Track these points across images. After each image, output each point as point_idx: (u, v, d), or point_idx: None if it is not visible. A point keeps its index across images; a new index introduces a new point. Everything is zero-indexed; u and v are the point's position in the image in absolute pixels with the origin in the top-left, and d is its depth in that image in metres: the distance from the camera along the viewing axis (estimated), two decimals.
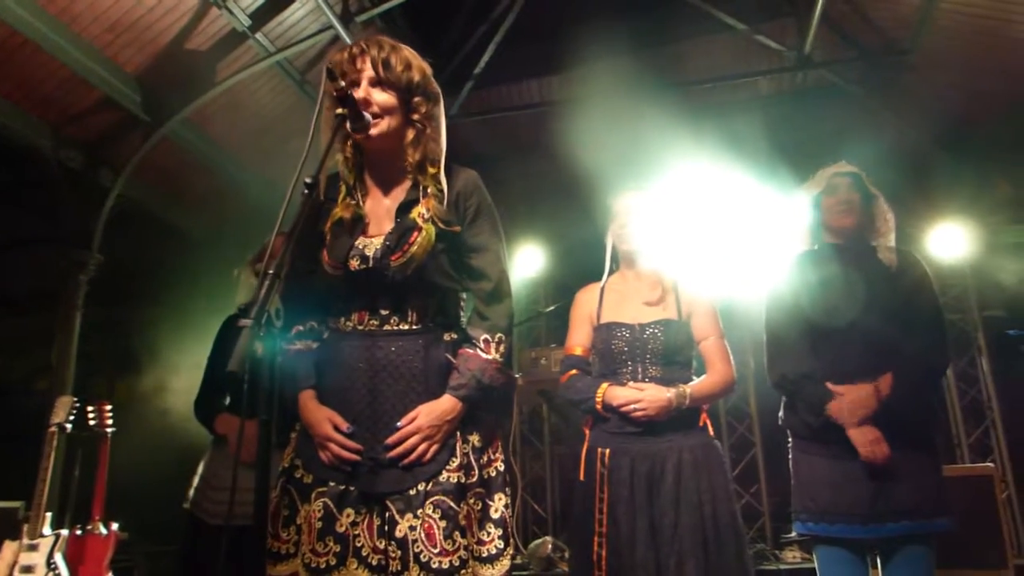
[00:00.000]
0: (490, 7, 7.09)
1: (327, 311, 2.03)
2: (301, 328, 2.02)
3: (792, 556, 5.92)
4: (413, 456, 1.84)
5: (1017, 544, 6.31)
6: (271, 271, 1.50)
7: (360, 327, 1.95)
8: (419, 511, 1.81)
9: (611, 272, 2.99)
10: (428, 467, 1.85)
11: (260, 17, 6.03)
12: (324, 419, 1.89)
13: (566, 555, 5.56)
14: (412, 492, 1.83)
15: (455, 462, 1.88)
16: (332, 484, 1.87)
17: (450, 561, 1.77)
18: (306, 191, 1.63)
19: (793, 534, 5.91)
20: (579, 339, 2.90)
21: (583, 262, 3.47)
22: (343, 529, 1.83)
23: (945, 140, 7.15)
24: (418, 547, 1.78)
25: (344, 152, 2.02)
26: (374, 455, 1.86)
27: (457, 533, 1.79)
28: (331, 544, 1.81)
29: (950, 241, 6.81)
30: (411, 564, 1.77)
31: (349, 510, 1.85)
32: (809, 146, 6.55)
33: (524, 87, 7.84)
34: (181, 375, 7.42)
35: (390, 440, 1.85)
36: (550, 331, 8.13)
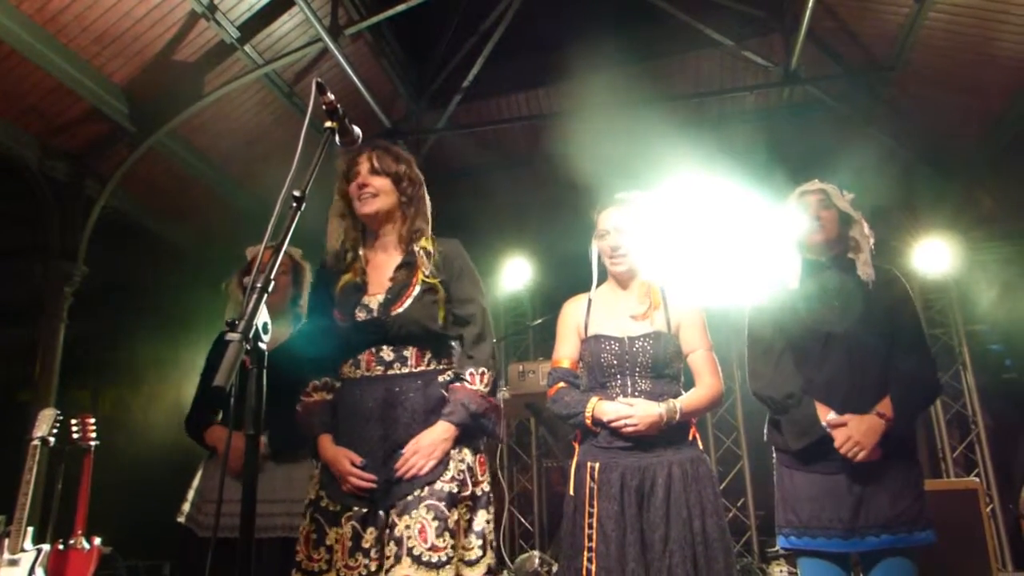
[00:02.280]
0: (479, 20, 7.11)
1: (338, 364, 2.41)
2: (317, 383, 2.40)
3: (779, 570, 5.92)
4: (414, 471, 2.19)
5: (1002, 558, 6.34)
6: (259, 284, 1.49)
7: (368, 372, 2.33)
8: (414, 512, 2.14)
9: (599, 283, 2.98)
10: (426, 476, 2.20)
11: (249, 29, 6.02)
12: (342, 457, 2.25)
13: (553, 569, 5.54)
14: (410, 497, 2.17)
15: (449, 474, 2.23)
16: (356, 509, 2.22)
17: (439, 556, 2.09)
18: (294, 205, 1.63)
19: (778, 548, 5.91)
20: (567, 351, 2.88)
21: (571, 275, 3.47)
22: (368, 545, 2.15)
23: (928, 156, 7.22)
24: (411, 542, 2.10)
25: (348, 231, 2.49)
26: (387, 477, 2.21)
27: (447, 534, 2.12)
28: (360, 558, 2.14)
29: (934, 256, 6.86)
30: (403, 557, 2.08)
31: (372, 528, 2.18)
32: (795, 160, 6.60)
33: (513, 100, 7.86)
34: (165, 388, 7.38)
35: (397, 465, 2.21)
36: (537, 344, 8.13)
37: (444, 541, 2.10)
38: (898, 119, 7.17)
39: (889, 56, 6.54)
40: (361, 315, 2.34)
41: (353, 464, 2.22)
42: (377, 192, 2.40)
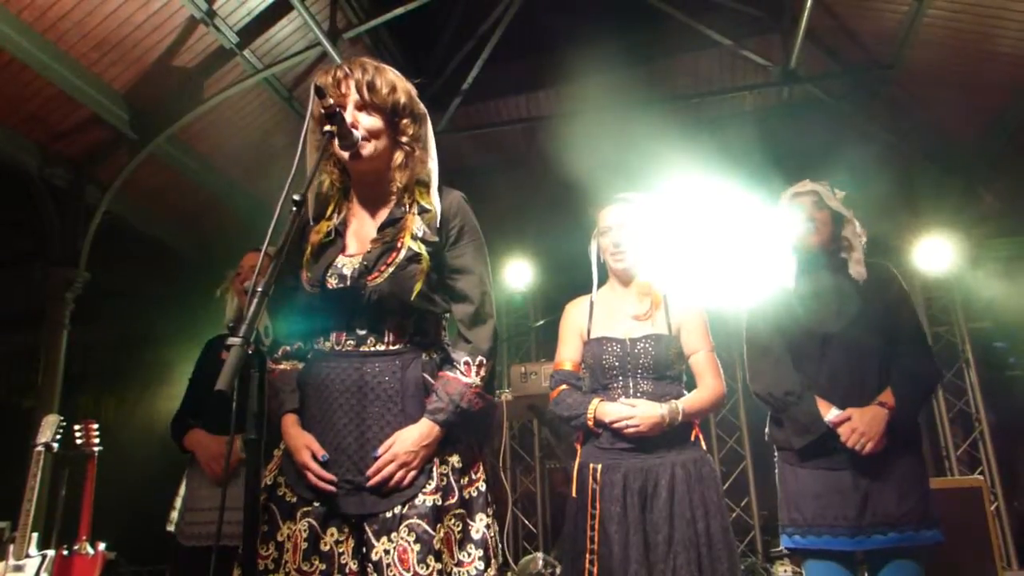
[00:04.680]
0: (477, 23, 7.11)
1: (308, 330, 2.04)
2: (288, 348, 2.05)
3: (783, 570, 5.91)
4: (391, 483, 1.85)
5: (1006, 556, 6.33)
6: (259, 289, 1.48)
7: (338, 347, 1.96)
8: (393, 534, 1.82)
9: (600, 284, 2.98)
10: (405, 491, 1.86)
11: (247, 34, 6.03)
12: (303, 446, 1.89)
13: (557, 571, 5.54)
14: (388, 515, 1.84)
15: (431, 485, 1.87)
16: (316, 504, 1.87)
17: None
18: (294, 208, 1.62)
19: (782, 548, 5.90)
20: (569, 353, 2.88)
21: (572, 277, 3.47)
22: (327, 548, 1.84)
23: (930, 153, 7.22)
24: (392, 571, 1.78)
25: (330, 173, 2.06)
26: (352, 478, 1.87)
27: (431, 557, 1.79)
28: (317, 563, 1.82)
29: (936, 253, 6.84)
30: None
31: (332, 529, 1.86)
32: (794, 160, 6.58)
33: (512, 102, 7.86)
34: (168, 393, 7.38)
35: (369, 472, 1.86)
36: (539, 345, 8.13)
37: (428, 567, 1.78)
38: (898, 117, 7.17)
39: (888, 54, 6.54)
40: (332, 282, 1.94)
41: (315, 458, 1.87)
42: (368, 136, 1.94)
